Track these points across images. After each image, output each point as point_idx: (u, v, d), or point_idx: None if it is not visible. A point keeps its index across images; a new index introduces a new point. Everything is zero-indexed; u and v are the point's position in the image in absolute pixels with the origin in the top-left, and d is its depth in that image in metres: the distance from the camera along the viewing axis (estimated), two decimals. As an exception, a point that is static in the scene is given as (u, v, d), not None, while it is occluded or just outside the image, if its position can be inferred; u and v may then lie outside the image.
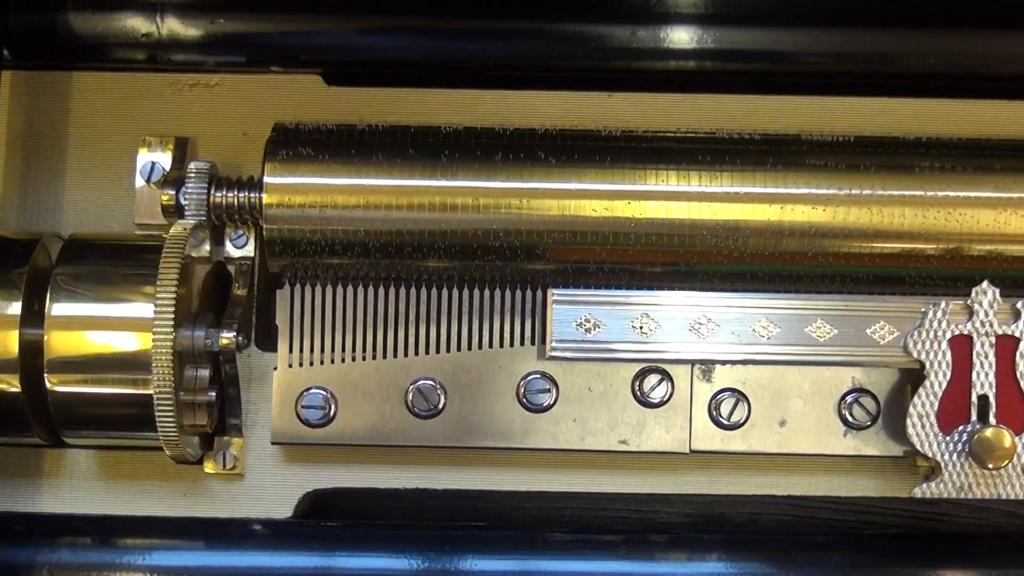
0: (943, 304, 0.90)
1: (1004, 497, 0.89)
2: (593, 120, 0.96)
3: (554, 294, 0.90)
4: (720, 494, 0.95)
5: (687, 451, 0.93)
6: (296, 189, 0.89)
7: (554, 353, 0.90)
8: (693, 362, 0.92)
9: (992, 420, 0.89)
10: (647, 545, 0.93)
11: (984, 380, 0.89)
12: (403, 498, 0.98)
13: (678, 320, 0.90)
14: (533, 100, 0.98)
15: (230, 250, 0.95)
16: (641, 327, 0.90)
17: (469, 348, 0.93)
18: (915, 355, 0.90)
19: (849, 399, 0.93)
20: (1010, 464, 0.89)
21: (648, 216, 0.90)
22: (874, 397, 0.93)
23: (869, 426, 0.93)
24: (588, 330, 0.90)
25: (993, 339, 0.89)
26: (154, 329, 0.85)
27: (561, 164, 0.90)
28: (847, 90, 0.96)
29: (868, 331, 0.91)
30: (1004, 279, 0.91)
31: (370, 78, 0.98)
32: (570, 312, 0.90)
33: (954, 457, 0.89)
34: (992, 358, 0.89)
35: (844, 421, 0.93)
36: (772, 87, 0.96)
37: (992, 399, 0.89)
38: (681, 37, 0.93)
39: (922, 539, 0.95)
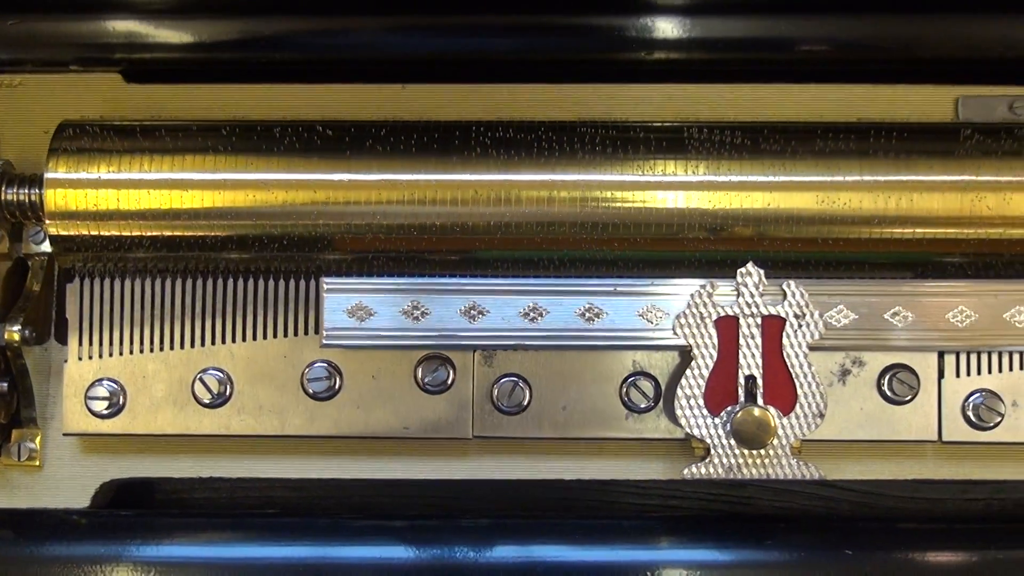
0: (708, 286, 0.90)
1: (774, 477, 0.89)
2: (385, 112, 0.97)
3: (326, 283, 0.91)
4: (506, 479, 0.95)
5: (470, 436, 0.94)
6: (77, 185, 0.91)
7: (327, 341, 0.91)
8: (470, 347, 0.92)
9: (760, 400, 0.89)
10: (434, 531, 0.94)
11: (751, 361, 0.89)
12: (219, 488, 1.00)
13: (451, 306, 0.91)
14: (330, 92, 0.99)
15: (32, 246, 0.97)
16: (413, 314, 0.91)
17: (255, 338, 0.94)
18: (682, 337, 0.90)
19: (628, 383, 0.93)
20: (779, 444, 0.89)
21: (419, 206, 0.90)
22: (654, 380, 0.93)
23: (650, 409, 0.93)
24: (361, 318, 0.91)
25: (759, 320, 0.89)
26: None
27: (337, 156, 0.91)
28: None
29: (638, 313, 0.91)
30: (773, 261, 0.90)
31: (168, 75, 1.00)
32: (342, 300, 0.92)
33: (722, 438, 0.89)
34: (759, 339, 0.89)
35: (625, 405, 0.93)
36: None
37: (759, 380, 0.89)
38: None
39: (722, 521, 0.95)
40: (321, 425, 0.94)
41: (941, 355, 0.93)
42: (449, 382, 0.93)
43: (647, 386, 0.93)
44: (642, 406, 0.93)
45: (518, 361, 0.93)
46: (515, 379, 0.93)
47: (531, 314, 0.91)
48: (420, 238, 0.91)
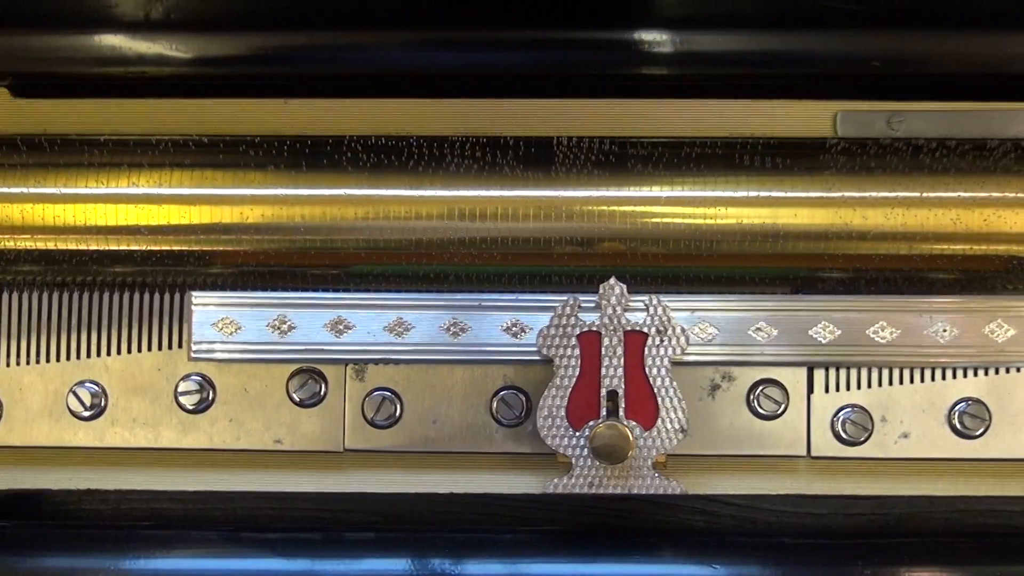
0: (572, 300, 0.90)
1: (636, 492, 0.89)
2: (265, 127, 0.98)
3: (194, 297, 0.92)
4: (378, 492, 0.96)
5: (341, 449, 0.94)
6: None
7: (195, 355, 0.92)
8: (336, 361, 0.93)
9: (622, 415, 0.89)
10: (302, 543, 0.94)
11: (613, 376, 0.90)
12: (106, 500, 1.01)
13: (316, 320, 0.92)
14: (209, 107, 0.99)
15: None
16: (280, 328, 0.92)
17: (129, 351, 0.95)
18: (545, 352, 0.90)
19: (498, 397, 0.93)
20: (640, 459, 0.89)
21: (287, 221, 0.91)
22: (525, 395, 0.93)
23: (520, 424, 0.93)
24: (228, 332, 0.92)
25: (621, 335, 0.90)
26: None
27: (208, 170, 0.92)
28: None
29: (502, 328, 0.91)
30: (643, 276, 0.91)
31: (55, 89, 1.01)
32: (210, 314, 0.92)
33: (584, 453, 0.89)
34: (621, 353, 0.90)
35: (495, 419, 0.93)
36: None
37: (622, 395, 0.89)
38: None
39: (594, 535, 0.96)
40: (194, 438, 0.95)
41: (811, 370, 0.93)
42: (321, 395, 0.94)
43: (517, 401, 0.93)
44: (512, 421, 0.93)
45: (390, 375, 0.94)
46: (387, 393, 0.94)
47: (396, 328, 0.91)
48: (288, 253, 0.91)
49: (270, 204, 0.91)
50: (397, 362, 0.92)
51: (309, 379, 0.94)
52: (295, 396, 0.94)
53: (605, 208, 0.91)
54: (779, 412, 0.93)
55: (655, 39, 0.92)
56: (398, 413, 0.94)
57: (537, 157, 0.92)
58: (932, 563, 0.95)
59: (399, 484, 0.96)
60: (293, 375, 0.94)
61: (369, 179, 0.91)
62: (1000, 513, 1.00)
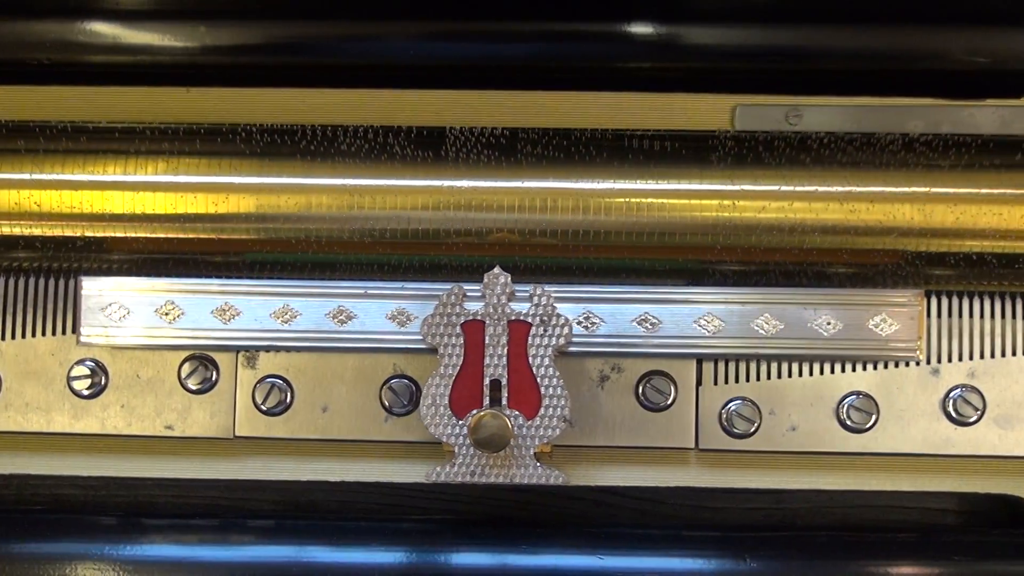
0: (456, 289, 0.90)
1: (517, 481, 0.89)
2: (168, 115, 0.98)
3: (83, 282, 0.92)
4: (266, 479, 0.96)
5: (232, 436, 0.94)
6: None
7: (84, 340, 0.93)
8: (224, 348, 0.93)
9: (505, 404, 0.89)
10: (191, 529, 0.94)
11: (497, 365, 0.90)
12: (8, 485, 1.01)
13: (204, 306, 0.92)
14: (114, 95, 1.00)
15: None
16: (168, 313, 0.92)
17: (24, 336, 0.96)
18: (429, 340, 0.90)
19: (387, 385, 0.93)
20: (521, 448, 0.89)
21: (179, 209, 0.91)
22: (414, 383, 0.93)
23: (409, 412, 0.94)
24: (117, 317, 0.92)
25: (505, 324, 0.90)
26: None
27: (99, 157, 0.93)
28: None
29: (387, 316, 0.91)
30: (537, 267, 0.91)
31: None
32: (99, 300, 0.92)
33: (466, 441, 0.90)
34: (504, 343, 0.90)
35: (384, 407, 0.94)
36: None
37: (505, 384, 0.89)
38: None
39: (482, 525, 0.96)
40: (87, 423, 0.95)
41: (700, 362, 0.93)
42: (212, 382, 0.94)
43: (405, 389, 0.93)
44: (400, 409, 0.93)
45: (281, 362, 0.94)
46: (277, 380, 0.94)
47: (283, 315, 0.92)
48: (180, 240, 0.92)
49: (161, 191, 0.91)
50: (284, 349, 0.93)
51: (200, 365, 0.94)
52: (186, 382, 0.94)
53: (495, 198, 0.91)
54: (667, 404, 0.93)
55: (551, 30, 0.92)
56: (288, 400, 0.94)
57: (428, 146, 0.92)
58: (830, 557, 0.95)
59: (291, 472, 0.96)
60: (184, 361, 0.94)
61: (259, 166, 0.91)
62: (898, 509, 1.00)
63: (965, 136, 0.91)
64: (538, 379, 0.89)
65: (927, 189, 0.89)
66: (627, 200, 0.90)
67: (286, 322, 0.92)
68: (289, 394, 0.94)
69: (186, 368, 0.94)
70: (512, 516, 1.00)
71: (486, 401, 0.90)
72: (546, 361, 0.90)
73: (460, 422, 0.90)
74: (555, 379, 0.89)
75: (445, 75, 0.96)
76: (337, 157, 0.92)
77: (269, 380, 0.94)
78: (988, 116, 0.96)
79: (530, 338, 0.90)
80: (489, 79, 0.96)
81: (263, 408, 0.94)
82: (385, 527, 0.97)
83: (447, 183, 0.92)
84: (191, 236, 0.92)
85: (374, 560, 0.95)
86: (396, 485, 0.99)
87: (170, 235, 0.92)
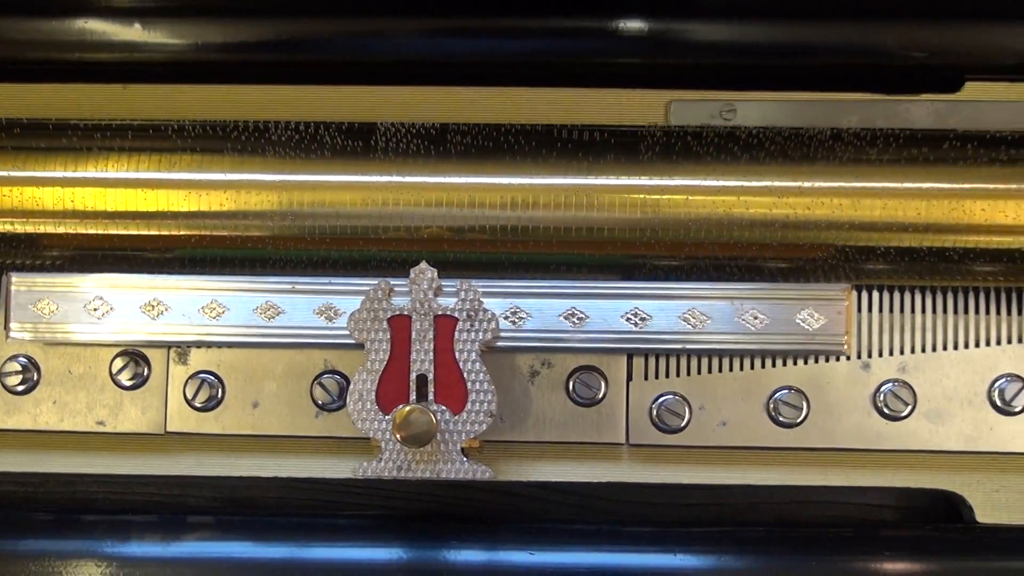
0: (383, 284, 0.90)
1: (444, 476, 0.89)
2: (105, 112, 0.98)
3: (13, 278, 0.92)
4: (198, 475, 0.96)
5: (163, 432, 0.95)
6: None
7: (13, 335, 0.93)
8: (153, 344, 0.93)
9: (431, 399, 0.89)
10: (124, 526, 0.94)
11: (423, 360, 0.90)
12: None
13: (132, 302, 0.92)
14: (54, 92, 1.00)
15: None
16: (96, 309, 0.92)
17: (-39, 333, 0.96)
18: (356, 335, 0.90)
19: (317, 381, 0.93)
20: (447, 443, 0.89)
21: (110, 206, 0.91)
22: (344, 378, 0.93)
23: (339, 408, 0.94)
24: (47, 313, 0.92)
25: (432, 319, 0.90)
26: None
27: (36, 154, 0.93)
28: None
29: (315, 311, 0.91)
30: (467, 262, 0.91)
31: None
32: (28, 296, 0.93)
33: (393, 436, 0.90)
34: (431, 338, 0.90)
35: (314, 402, 0.94)
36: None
37: (431, 379, 0.89)
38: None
39: (413, 521, 0.96)
40: (19, 419, 0.95)
41: (630, 357, 0.93)
42: (144, 378, 0.94)
43: (334, 384, 0.93)
44: (330, 404, 0.93)
45: (212, 358, 0.94)
46: (208, 376, 0.94)
47: (212, 311, 0.92)
48: (110, 236, 0.92)
49: (91, 187, 0.91)
50: (213, 344, 0.93)
51: (131, 361, 0.94)
52: (118, 378, 0.94)
53: (424, 193, 0.91)
54: (598, 399, 0.93)
55: (486, 26, 0.92)
56: (220, 396, 0.94)
57: (357, 141, 0.92)
58: (764, 553, 0.94)
59: (224, 468, 0.96)
60: (116, 357, 0.94)
61: (189, 162, 0.91)
62: (837, 504, 1.00)
63: (894, 129, 0.91)
64: (464, 374, 0.89)
65: (855, 183, 0.89)
66: (556, 195, 0.90)
67: (215, 318, 0.92)
68: (220, 390, 0.94)
69: (117, 364, 0.94)
70: (447, 512, 1.00)
71: (412, 396, 0.89)
72: (473, 356, 0.89)
73: (386, 417, 0.89)
74: (482, 374, 0.89)
75: (377, 71, 0.96)
76: (268, 151, 0.91)
77: (200, 376, 0.94)
78: (923, 111, 0.96)
79: (456, 333, 0.90)
80: (419, 75, 0.96)
81: (195, 404, 0.94)
82: (318, 523, 0.97)
83: (376, 178, 0.91)
84: (121, 232, 0.92)
85: (308, 556, 0.95)
86: (333, 481, 0.99)
87: (100, 231, 0.92)
